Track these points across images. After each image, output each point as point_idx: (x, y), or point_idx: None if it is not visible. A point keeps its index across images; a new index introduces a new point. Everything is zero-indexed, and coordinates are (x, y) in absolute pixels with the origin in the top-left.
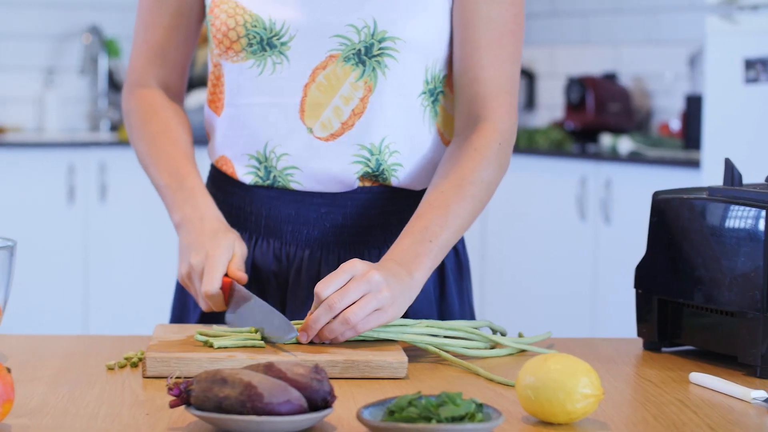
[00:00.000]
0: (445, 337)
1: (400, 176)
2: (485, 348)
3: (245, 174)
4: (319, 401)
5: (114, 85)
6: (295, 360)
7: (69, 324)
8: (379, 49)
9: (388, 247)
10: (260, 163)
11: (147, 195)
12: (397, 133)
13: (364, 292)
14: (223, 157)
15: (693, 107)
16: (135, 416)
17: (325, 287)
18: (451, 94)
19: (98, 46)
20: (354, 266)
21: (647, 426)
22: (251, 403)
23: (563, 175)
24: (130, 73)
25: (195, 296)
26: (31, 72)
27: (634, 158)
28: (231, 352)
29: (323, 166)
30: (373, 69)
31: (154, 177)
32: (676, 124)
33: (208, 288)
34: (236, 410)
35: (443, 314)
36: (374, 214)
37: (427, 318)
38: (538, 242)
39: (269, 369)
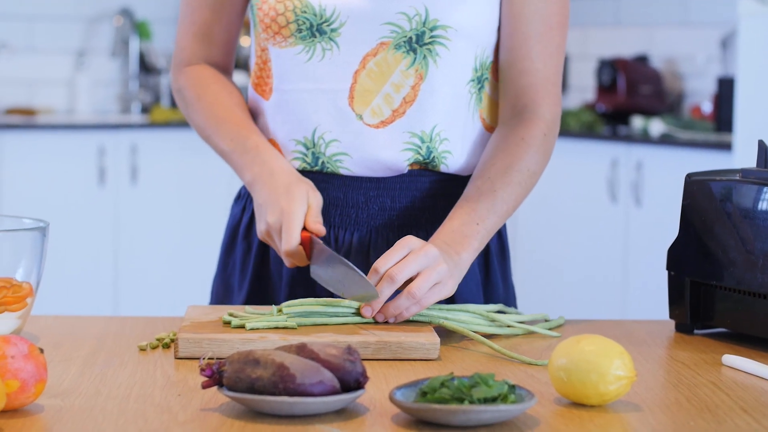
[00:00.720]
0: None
1: (449, 163)
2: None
3: (292, 159)
4: (351, 382)
5: (145, 67)
6: (327, 341)
7: (100, 306)
8: (431, 37)
9: (434, 229)
10: (308, 149)
11: (178, 177)
12: (447, 121)
13: (423, 267)
14: (271, 140)
15: (725, 90)
16: (167, 397)
17: (384, 262)
18: (495, 81)
19: (129, 28)
20: (410, 241)
21: (680, 408)
22: (284, 384)
23: (594, 157)
24: (177, 53)
25: (277, 251)
26: (62, 54)
27: (666, 141)
28: (263, 333)
29: (373, 153)
30: (425, 57)
31: (217, 145)
32: (707, 107)
33: (287, 246)
34: (269, 391)
35: (488, 296)
36: (422, 198)
37: (473, 300)
38: (568, 224)
39: (302, 350)
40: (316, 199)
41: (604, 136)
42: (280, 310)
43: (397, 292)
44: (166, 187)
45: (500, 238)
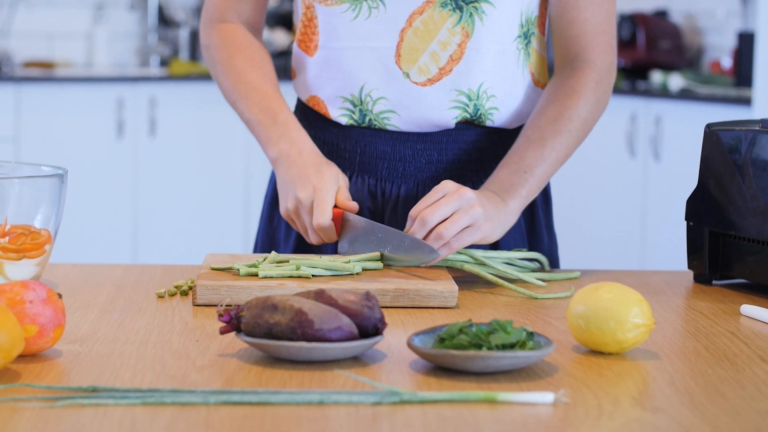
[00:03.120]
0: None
1: (495, 119)
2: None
3: (339, 116)
4: (369, 328)
5: (164, 20)
6: (346, 287)
7: (118, 256)
8: None
9: (481, 182)
10: (355, 106)
11: (196, 130)
12: (494, 78)
13: (456, 209)
14: (314, 97)
15: (745, 44)
16: (185, 343)
17: (418, 206)
18: (541, 35)
19: None
20: (446, 185)
21: (698, 356)
22: (302, 330)
23: (613, 111)
24: (208, 7)
25: (302, 231)
26: (80, 7)
27: (685, 95)
28: (281, 280)
29: (421, 110)
30: (471, 15)
31: (244, 112)
32: (727, 62)
33: (320, 220)
34: (286, 336)
35: (532, 245)
36: (468, 151)
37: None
38: (587, 178)
39: (320, 296)
40: (345, 180)
41: (624, 90)
42: (298, 268)
43: None
44: (184, 139)
45: (544, 188)
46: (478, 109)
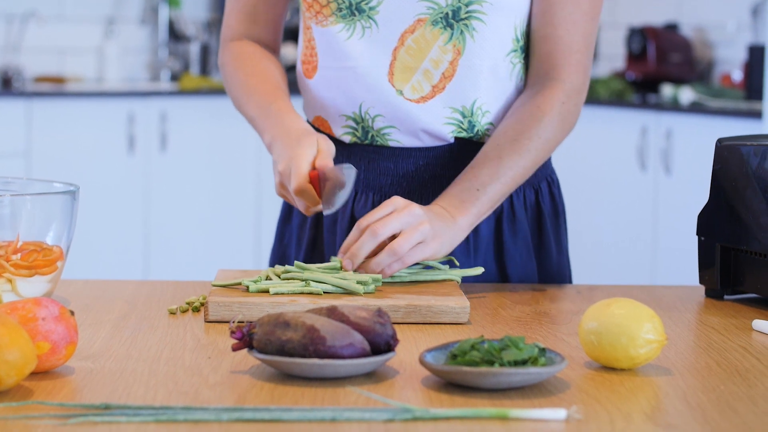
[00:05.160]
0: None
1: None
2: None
3: (343, 134)
4: (381, 345)
5: (174, 35)
6: (358, 304)
7: (129, 272)
8: (467, 12)
9: None
10: (357, 123)
11: (207, 145)
12: (489, 95)
13: (406, 225)
14: (319, 117)
15: (755, 57)
16: (197, 360)
17: (367, 218)
18: None
19: None
20: (395, 200)
21: (710, 372)
22: (314, 347)
23: (624, 125)
24: (224, 30)
25: (294, 205)
26: (91, 22)
27: (696, 109)
28: (293, 297)
29: (418, 126)
30: (461, 32)
31: (246, 114)
32: (738, 75)
33: (294, 185)
34: (299, 353)
35: (540, 259)
36: None
37: (526, 263)
38: (598, 192)
39: (332, 312)
40: (327, 145)
41: (634, 104)
42: (307, 284)
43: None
44: (195, 154)
45: (553, 200)
46: (474, 126)
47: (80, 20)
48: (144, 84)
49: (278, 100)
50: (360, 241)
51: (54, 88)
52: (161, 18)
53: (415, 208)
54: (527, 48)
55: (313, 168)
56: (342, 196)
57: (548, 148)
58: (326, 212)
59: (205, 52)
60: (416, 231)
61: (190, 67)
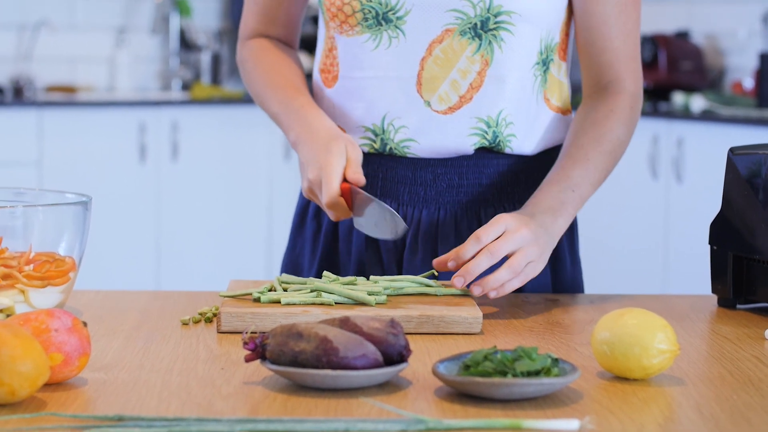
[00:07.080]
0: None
1: (513, 146)
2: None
3: (360, 145)
4: (394, 355)
5: (185, 44)
6: (370, 315)
7: (141, 282)
8: (495, 23)
9: (503, 207)
10: (376, 135)
11: (218, 154)
12: (514, 105)
13: (518, 246)
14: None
15: (767, 65)
16: (210, 371)
17: (486, 234)
18: (560, 61)
19: (169, 5)
20: (506, 220)
21: (723, 382)
22: (327, 357)
23: (635, 133)
24: (242, 28)
25: (320, 206)
26: (102, 32)
27: (707, 117)
28: (305, 307)
29: (440, 138)
30: (490, 43)
31: (268, 110)
32: (749, 83)
33: (327, 197)
34: (311, 364)
35: (555, 270)
36: (489, 175)
37: (542, 277)
38: (609, 200)
39: (345, 323)
40: (355, 153)
41: (645, 112)
42: (319, 294)
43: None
44: (206, 163)
45: None
46: (497, 136)
47: (91, 29)
48: (155, 93)
49: (300, 96)
50: (477, 261)
51: (65, 97)
52: (172, 27)
53: (525, 231)
54: (549, 62)
55: (344, 179)
56: (370, 212)
57: (622, 151)
58: (357, 225)
59: (217, 62)
60: (530, 250)
61: (201, 76)
